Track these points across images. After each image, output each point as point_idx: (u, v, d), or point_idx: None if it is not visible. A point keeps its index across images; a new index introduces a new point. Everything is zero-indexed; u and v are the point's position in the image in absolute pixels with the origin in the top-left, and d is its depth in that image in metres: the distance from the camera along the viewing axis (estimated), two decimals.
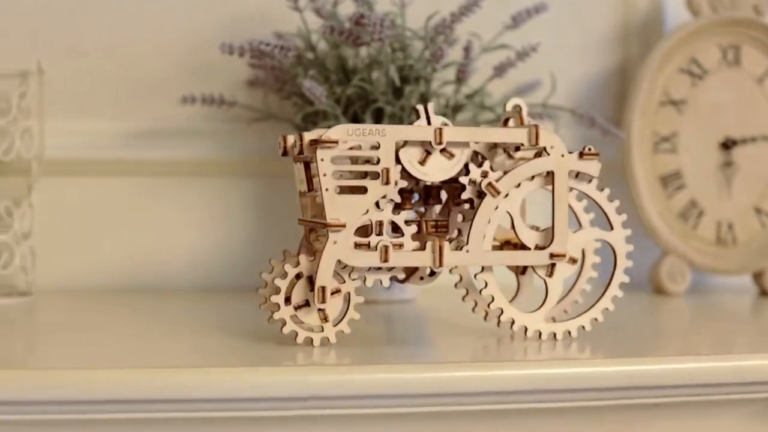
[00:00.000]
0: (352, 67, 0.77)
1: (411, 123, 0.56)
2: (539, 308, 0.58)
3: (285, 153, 0.56)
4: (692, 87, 0.88)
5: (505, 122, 0.59)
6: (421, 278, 0.58)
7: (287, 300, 0.54)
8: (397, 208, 0.57)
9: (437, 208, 0.60)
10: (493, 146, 0.58)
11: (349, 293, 0.55)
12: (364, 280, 0.56)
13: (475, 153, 0.58)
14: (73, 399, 0.48)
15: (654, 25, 0.93)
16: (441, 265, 0.55)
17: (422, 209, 0.60)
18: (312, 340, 0.55)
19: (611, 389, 0.53)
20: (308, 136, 0.54)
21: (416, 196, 0.59)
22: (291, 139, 0.56)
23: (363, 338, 0.59)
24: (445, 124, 0.56)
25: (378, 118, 0.76)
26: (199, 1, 0.85)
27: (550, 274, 0.57)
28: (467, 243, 0.56)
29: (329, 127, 0.69)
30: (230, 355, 0.55)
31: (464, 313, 0.61)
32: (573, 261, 0.58)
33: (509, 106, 0.59)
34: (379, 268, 0.55)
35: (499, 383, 0.51)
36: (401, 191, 0.57)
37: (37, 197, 0.79)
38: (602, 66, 0.93)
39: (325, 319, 0.55)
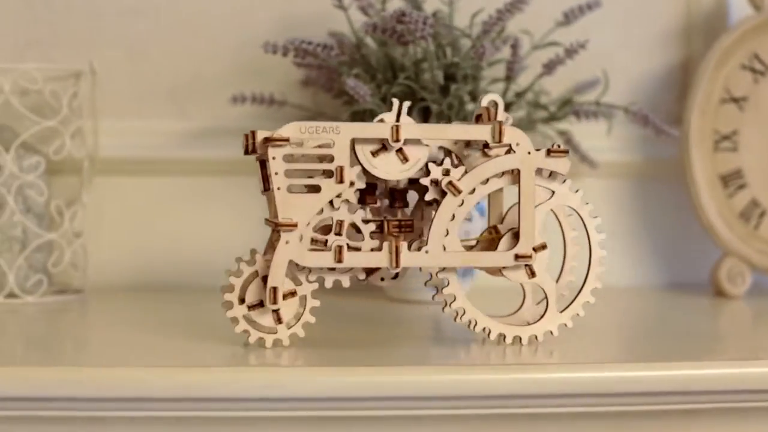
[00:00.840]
0: (400, 65, 0.76)
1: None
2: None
3: (247, 151, 0.55)
4: (754, 84, 0.85)
5: (478, 118, 0.57)
6: (382, 279, 0.57)
7: (242, 300, 0.54)
8: (365, 204, 0.55)
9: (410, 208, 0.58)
10: (467, 144, 0.56)
11: (305, 296, 0.54)
12: (323, 281, 0.54)
13: (449, 152, 0.56)
14: (124, 396, 0.48)
15: (718, 20, 0.90)
16: (397, 266, 0.54)
17: (393, 210, 0.58)
18: (264, 341, 0.54)
19: (653, 394, 0.51)
20: (261, 134, 0.53)
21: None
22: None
23: (341, 340, 0.58)
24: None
25: (425, 116, 0.75)
26: (254, 1, 0.85)
27: (532, 275, 0.55)
28: (427, 243, 0.54)
29: None
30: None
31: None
32: (532, 273, 0.56)
33: (485, 102, 0.57)
34: (334, 269, 0.54)
35: (451, 388, 0.50)
36: (367, 190, 0.55)
37: (91, 196, 0.80)
38: (665, 62, 0.91)
39: (279, 321, 0.53)
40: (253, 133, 0.53)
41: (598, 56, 0.82)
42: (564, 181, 0.56)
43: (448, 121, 0.75)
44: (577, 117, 0.81)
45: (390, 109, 0.72)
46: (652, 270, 0.89)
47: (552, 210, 0.56)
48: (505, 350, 0.55)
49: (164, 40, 0.85)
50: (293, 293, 0.54)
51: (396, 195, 0.57)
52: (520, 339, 0.56)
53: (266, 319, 0.54)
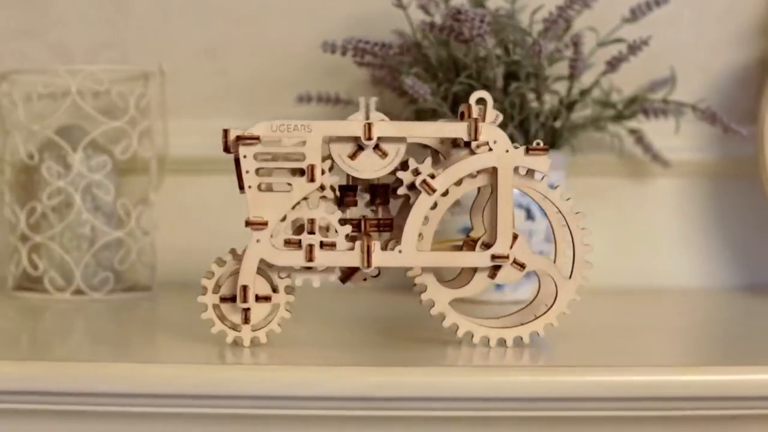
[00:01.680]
0: (461, 63, 0.76)
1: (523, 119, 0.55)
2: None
3: (225, 149, 0.55)
4: None
5: (462, 116, 0.55)
6: (364, 279, 0.56)
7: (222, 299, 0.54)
8: (344, 206, 0.55)
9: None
10: (452, 142, 0.55)
11: (278, 305, 0.54)
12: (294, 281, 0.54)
13: (436, 152, 0.55)
14: (189, 393, 0.49)
15: None
16: (369, 265, 0.53)
17: (374, 208, 0.57)
18: (226, 335, 0.54)
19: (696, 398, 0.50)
20: (234, 132, 0.53)
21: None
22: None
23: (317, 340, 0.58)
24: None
25: None
26: (324, 1, 0.86)
27: (492, 276, 0.54)
28: (400, 243, 0.53)
29: None
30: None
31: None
32: (520, 266, 0.54)
33: (472, 99, 0.56)
34: (302, 268, 0.54)
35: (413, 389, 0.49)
36: (348, 189, 0.55)
37: (161, 195, 0.81)
38: (742, 59, 0.88)
39: (246, 321, 0.53)
40: (226, 131, 0.53)
41: (673, 53, 0.82)
42: (542, 178, 0.54)
43: (511, 119, 0.74)
44: (645, 115, 0.79)
45: (452, 108, 0.73)
46: (728, 271, 0.87)
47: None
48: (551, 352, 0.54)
49: (235, 40, 0.86)
50: (268, 299, 0.54)
51: (377, 192, 0.56)
52: (505, 341, 0.55)
53: (236, 316, 0.54)
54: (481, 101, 0.55)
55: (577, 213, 0.55)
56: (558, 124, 0.77)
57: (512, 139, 0.72)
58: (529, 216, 0.73)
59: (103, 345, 0.58)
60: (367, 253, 0.53)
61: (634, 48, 0.75)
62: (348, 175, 0.54)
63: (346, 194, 0.55)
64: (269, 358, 0.52)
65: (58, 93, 0.77)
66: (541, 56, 0.71)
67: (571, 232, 0.55)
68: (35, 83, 0.78)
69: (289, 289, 0.54)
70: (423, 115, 0.77)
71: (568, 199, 0.55)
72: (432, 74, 0.76)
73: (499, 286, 0.73)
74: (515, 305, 0.71)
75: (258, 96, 0.86)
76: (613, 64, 0.77)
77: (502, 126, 0.71)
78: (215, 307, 0.54)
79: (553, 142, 0.77)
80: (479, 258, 0.54)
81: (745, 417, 0.50)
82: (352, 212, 0.56)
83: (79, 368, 0.49)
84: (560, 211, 0.55)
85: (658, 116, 0.79)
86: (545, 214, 0.56)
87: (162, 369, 0.49)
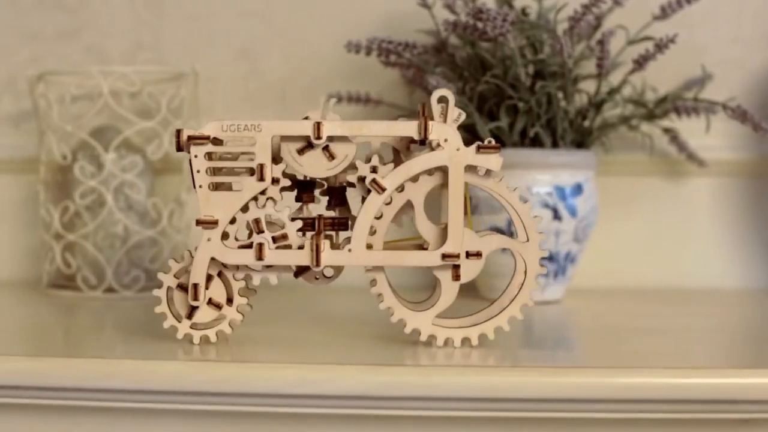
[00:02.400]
0: (487, 62, 0.76)
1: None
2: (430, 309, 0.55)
3: (179, 149, 0.55)
4: None
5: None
6: (317, 278, 0.56)
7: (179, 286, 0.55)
8: (303, 203, 0.55)
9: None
10: (411, 141, 0.55)
11: (231, 306, 0.55)
12: (251, 279, 0.55)
13: (397, 151, 0.55)
14: (230, 391, 0.50)
15: None
16: (318, 264, 0.53)
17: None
18: (177, 330, 0.55)
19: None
20: (186, 132, 0.54)
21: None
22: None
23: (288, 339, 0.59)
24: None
25: (514, 114, 0.75)
26: (358, 1, 0.87)
27: (456, 278, 0.54)
28: (350, 242, 0.53)
29: (462, 124, 0.70)
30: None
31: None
32: (476, 255, 0.54)
33: (434, 98, 0.55)
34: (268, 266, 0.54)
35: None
36: (307, 188, 0.55)
37: (194, 194, 0.81)
38: None
39: (189, 317, 0.54)
40: (179, 131, 0.54)
41: (710, 51, 0.81)
42: (501, 178, 0.54)
43: (538, 118, 0.73)
44: (677, 114, 0.77)
45: (477, 108, 0.73)
46: (764, 271, 0.85)
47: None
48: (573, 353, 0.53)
49: (268, 41, 0.87)
50: (219, 307, 0.54)
51: (333, 193, 0.56)
52: (453, 341, 0.54)
53: (184, 309, 0.55)
54: (443, 99, 0.55)
55: (534, 216, 0.54)
56: (587, 123, 0.76)
57: (538, 138, 0.74)
58: (556, 216, 0.73)
59: (133, 343, 0.58)
60: (317, 251, 0.53)
61: (660, 46, 0.74)
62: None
63: (304, 192, 0.56)
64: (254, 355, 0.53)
65: (93, 94, 0.79)
66: (563, 54, 0.70)
67: (527, 235, 0.54)
68: (69, 84, 0.80)
69: (244, 291, 0.55)
70: None
71: (526, 202, 0.54)
72: (458, 73, 0.76)
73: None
74: (543, 306, 0.72)
75: (291, 96, 0.87)
76: (640, 63, 0.75)
77: (530, 125, 0.73)
78: (170, 300, 0.55)
79: (582, 141, 0.76)
80: (429, 257, 0.53)
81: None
82: (313, 211, 0.56)
83: (111, 365, 0.50)
84: (517, 213, 0.54)
85: (690, 115, 0.77)
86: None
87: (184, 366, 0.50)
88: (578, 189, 0.74)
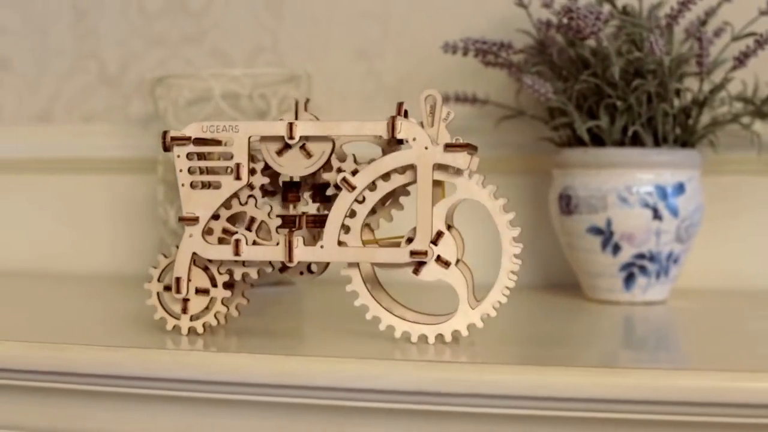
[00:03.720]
0: (585, 61, 0.76)
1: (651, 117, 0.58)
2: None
3: (165, 149, 0.58)
4: None
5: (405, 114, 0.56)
6: (301, 273, 0.58)
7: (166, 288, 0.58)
8: (287, 202, 0.57)
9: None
10: (398, 141, 0.56)
11: (216, 299, 0.57)
12: (232, 274, 0.57)
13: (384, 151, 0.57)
14: (322, 385, 0.51)
15: None
16: (291, 260, 0.55)
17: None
18: (166, 322, 0.57)
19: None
20: (171, 133, 0.56)
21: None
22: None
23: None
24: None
25: (614, 113, 0.75)
26: (473, 2, 0.88)
27: (416, 272, 0.54)
28: (322, 238, 0.55)
29: (563, 123, 0.73)
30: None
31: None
32: (445, 264, 0.54)
33: (422, 97, 0.57)
34: (236, 262, 0.56)
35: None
36: (290, 186, 0.57)
37: None
38: None
39: (184, 311, 0.57)
40: (165, 132, 0.57)
41: None
42: (472, 175, 0.54)
43: (638, 117, 0.73)
44: None
45: (577, 106, 0.74)
46: None
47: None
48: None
49: (388, 41, 0.89)
50: (206, 291, 0.57)
51: (316, 191, 0.58)
52: (426, 338, 0.55)
53: (176, 306, 0.57)
54: (429, 99, 0.56)
55: (507, 213, 0.54)
56: (690, 121, 0.75)
57: (639, 137, 0.73)
58: (657, 216, 0.72)
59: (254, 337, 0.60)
60: (290, 248, 0.55)
61: (761, 42, 0.72)
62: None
63: (289, 191, 0.58)
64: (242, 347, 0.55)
65: (207, 96, 0.82)
66: (655, 53, 0.70)
67: (499, 231, 0.54)
68: (183, 87, 0.84)
69: (228, 286, 0.57)
70: (554, 112, 0.77)
71: (497, 199, 0.55)
72: (558, 73, 0.77)
73: (628, 286, 0.73)
74: (646, 307, 0.72)
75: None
76: (741, 60, 0.73)
77: (630, 123, 0.72)
78: (159, 294, 0.57)
79: (688, 140, 0.75)
80: (398, 254, 0.54)
81: None
82: (302, 208, 0.58)
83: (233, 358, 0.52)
84: (489, 210, 0.55)
85: None
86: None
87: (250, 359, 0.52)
88: (680, 188, 0.73)
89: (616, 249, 0.73)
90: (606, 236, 0.73)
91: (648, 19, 0.75)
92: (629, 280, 0.73)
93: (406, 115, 0.57)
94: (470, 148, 0.54)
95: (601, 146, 0.75)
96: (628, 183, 0.72)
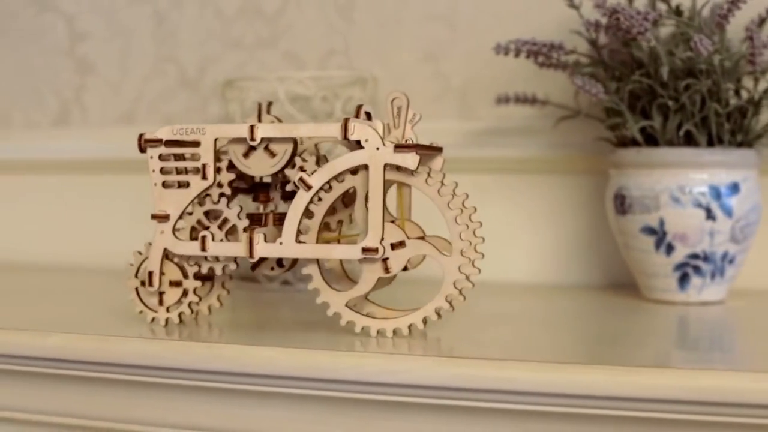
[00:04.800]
0: (638, 61, 0.77)
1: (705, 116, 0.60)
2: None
3: (141, 150, 0.62)
4: None
5: (357, 115, 0.59)
6: (272, 268, 0.61)
7: (143, 283, 0.61)
8: (258, 201, 0.60)
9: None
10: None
11: (186, 290, 0.60)
12: (212, 270, 0.60)
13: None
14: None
15: None
16: (251, 255, 0.58)
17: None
18: (147, 315, 0.61)
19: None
20: (146, 135, 0.60)
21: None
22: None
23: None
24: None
25: (666, 112, 0.75)
26: (538, 3, 0.89)
27: (387, 271, 0.57)
28: (281, 236, 0.57)
29: (617, 123, 0.75)
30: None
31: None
32: (386, 269, 0.56)
33: (389, 99, 0.59)
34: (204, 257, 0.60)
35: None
36: (261, 186, 0.60)
37: None
38: None
39: (160, 303, 0.60)
40: (142, 135, 0.60)
41: None
42: (428, 174, 0.56)
43: (691, 117, 0.73)
44: None
45: (630, 106, 0.75)
46: None
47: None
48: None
49: (455, 43, 0.91)
50: (179, 283, 0.60)
51: (283, 189, 0.61)
52: (384, 332, 0.57)
53: (152, 300, 0.61)
54: (396, 101, 0.58)
55: (453, 209, 0.56)
56: (746, 121, 0.74)
57: (692, 137, 0.73)
58: (710, 216, 0.72)
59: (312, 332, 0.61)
60: (251, 244, 0.58)
61: None
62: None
63: (260, 191, 0.61)
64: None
65: (273, 99, 0.83)
66: (701, 52, 0.69)
67: (448, 222, 0.56)
68: (250, 90, 0.85)
69: (198, 276, 0.60)
70: (610, 112, 0.77)
71: (443, 196, 0.56)
72: (611, 73, 0.77)
73: (683, 286, 0.73)
74: (702, 307, 0.73)
75: (472, 97, 0.90)
76: None
77: (683, 123, 0.72)
78: (137, 289, 0.61)
79: (745, 139, 0.74)
80: (352, 251, 0.56)
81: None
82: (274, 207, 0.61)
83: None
84: (440, 208, 0.56)
85: None
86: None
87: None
88: (735, 188, 0.73)
89: (670, 249, 0.73)
90: (659, 236, 0.73)
91: (691, 19, 0.74)
92: (683, 280, 0.73)
93: (369, 117, 0.59)
94: (422, 148, 0.56)
95: (656, 146, 0.74)
96: (681, 183, 0.72)
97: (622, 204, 0.75)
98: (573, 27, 0.80)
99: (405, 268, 0.58)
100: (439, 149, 0.59)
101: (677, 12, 0.75)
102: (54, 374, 0.58)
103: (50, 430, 0.60)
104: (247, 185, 0.62)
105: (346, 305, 0.57)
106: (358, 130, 0.56)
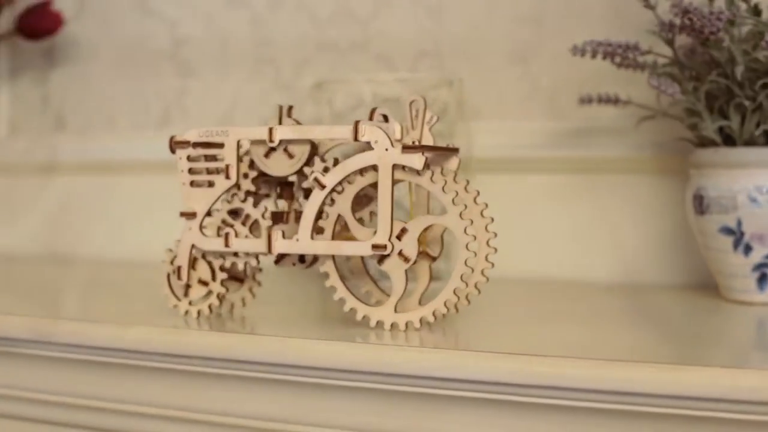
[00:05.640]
0: (715, 61, 0.77)
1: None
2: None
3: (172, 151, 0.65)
4: None
5: (371, 117, 0.61)
6: (293, 264, 0.64)
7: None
8: (282, 199, 0.64)
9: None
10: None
11: (214, 282, 0.64)
12: (234, 265, 0.64)
13: None
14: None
15: None
16: (270, 251, 0.61)
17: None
18: (176, 306, 0.64)
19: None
20: (175, 138, 0.64)
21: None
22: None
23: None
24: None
25: (744, 112, 0.75)
26: (630, 3, 0.88)
27: (380, 263, 0.59)
28: (298, 233, 0.60)
29: (696, 123, 0.76)
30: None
31: None
32: (405, 259, 0.59)
33: (408, 102, 0.61)
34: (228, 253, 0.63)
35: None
36: (285, 185, 0.64)
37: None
38: None
39: (185, 294, 0.64)
40: (172, 137, 0.64)
41: None
42: (432, 173, 0.58)
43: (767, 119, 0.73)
44: None
45: (708, 106, 0.77)
46: None
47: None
48: None
49: (544, 44, 0.93)
50: (206, 283, 0.64)
51: (306, 189, 0.64)
52: (398, 325, 0.60)
53: (180, 290, 0.65)
54: (414, 104, 0.61)
55: (457, 205, 0.58)
56: None
57: None
58: None
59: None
60: (269, 240, 0.61)
61: None
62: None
63: (284, 190, 0.64)
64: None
65: (366, 99, 0.85)
66: (757, 50, 0.70)
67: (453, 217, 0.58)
68: (338, 92, 0.87)
69: (224, 269, 0.64)
70: (689, 112, 0.78)
71: (447, 193, 0.58)
72: (689, 73, 0.78)
73: (762, 287, 0.73)
74: None
75: (560, 98, 0.92)
76: None
77: (760, 122, 0.72)
78: (170, 284, 0.65)
79: None
80: (362, 247, 0.59)
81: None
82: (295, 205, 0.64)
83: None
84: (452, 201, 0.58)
85: None
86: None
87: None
88: None
89: (748, 249, 0.72)
90: (737, 236, 0.73)
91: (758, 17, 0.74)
92: (762, 280, 0.73)
93: (386, 119, 0.61)
94: (431, 149, 0.58)
95: (733, 146, 0.74)
96: (758, 183, 0.72)
97: (700, 204, 0.75)
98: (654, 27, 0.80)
99: (433, 258, 0.60)
100: (454, 150, 0.61)
101: (755, 11, 0.74)
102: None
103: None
104: (273, 184, 0.65)
105: (395, 311, 0.60)
106: (368, 132, 0.59)
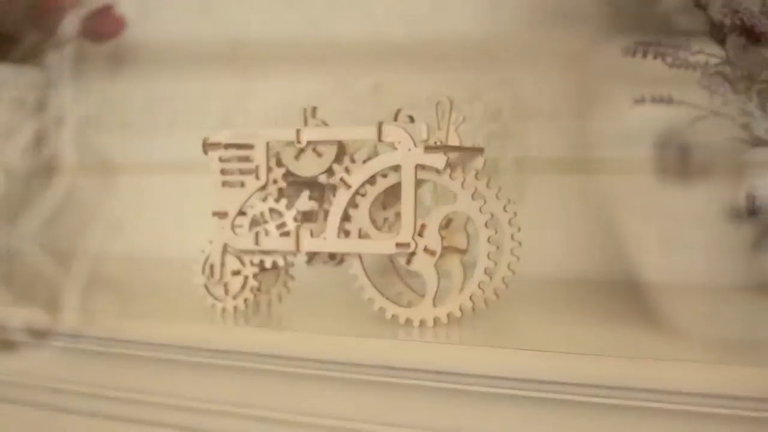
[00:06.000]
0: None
1: None
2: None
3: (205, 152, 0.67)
4: None
5: (395, 118, 0.63)
6: (324, 262, 0.65)
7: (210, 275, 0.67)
8: (312, 200, 0.65)
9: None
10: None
11: (246, 276, 0.65)
12: (262, 262, 0.65)
13: None
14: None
15: None
16: (298, 249, 0.62)
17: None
18: (216, 307, 0.66)
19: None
20: (208, 139, 0.66)
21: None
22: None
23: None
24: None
25: None
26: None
27: (408, 263, 0.60)
28: (325, 231, 0.62)
29: (747, 123, 0.76)
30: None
31: None
32: (431, 253, 0.60)
33: (435, 103, 0.63)
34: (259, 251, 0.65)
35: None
36: (316, 185, 0.65)
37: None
38: None
39: (226, 292, 0.66)
40: (205, 139, 0.66)
41: None
42: (452, 171, 0.59)
43: None
44: None
45: (760, 106, 0.78)
46: None
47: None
48: None
49: (596, 45, 0.91)
50: (238, 272, 0.65)
51: (334, 189, 0.65)
52: (412, 321, 0.61)
53: (218, 291, 0.66)
54: (441, 105, 0.62)
55: (476, 200, 0.59)
56: None
57: None
58: None
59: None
60: (297, 239, 0.62)
61: None
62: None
63: (315, 190, 0.65)
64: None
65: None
66: None
67: (473, 214, 0.59)
68: (395, 92, 0.90)
69: (255, 265, 0.65)
70: (742, 112, 0.76)
71: (465, 189, 0.59)
72: (740, 72, 0.79)
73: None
74: None
75: (616, 98, 0.89)
76: None
77: None
78: (207, 285, 0.67)
79: None
80: (386, 245, 0.60)
81: None
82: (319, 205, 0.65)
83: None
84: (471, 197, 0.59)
85: None
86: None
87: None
88: None
89: None
90: None
91: None
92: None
93: (412, 120, 0.62)
94: (453, 149, 0.59)
95: None
96: None
97: (753, 204, 0.74)
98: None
99: (461, 250, 0.61)
100: (479, 150, 0.62)
101: None
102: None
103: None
104: (304, 184, 0.66)
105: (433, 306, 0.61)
106: (391, 132, 0.60)
